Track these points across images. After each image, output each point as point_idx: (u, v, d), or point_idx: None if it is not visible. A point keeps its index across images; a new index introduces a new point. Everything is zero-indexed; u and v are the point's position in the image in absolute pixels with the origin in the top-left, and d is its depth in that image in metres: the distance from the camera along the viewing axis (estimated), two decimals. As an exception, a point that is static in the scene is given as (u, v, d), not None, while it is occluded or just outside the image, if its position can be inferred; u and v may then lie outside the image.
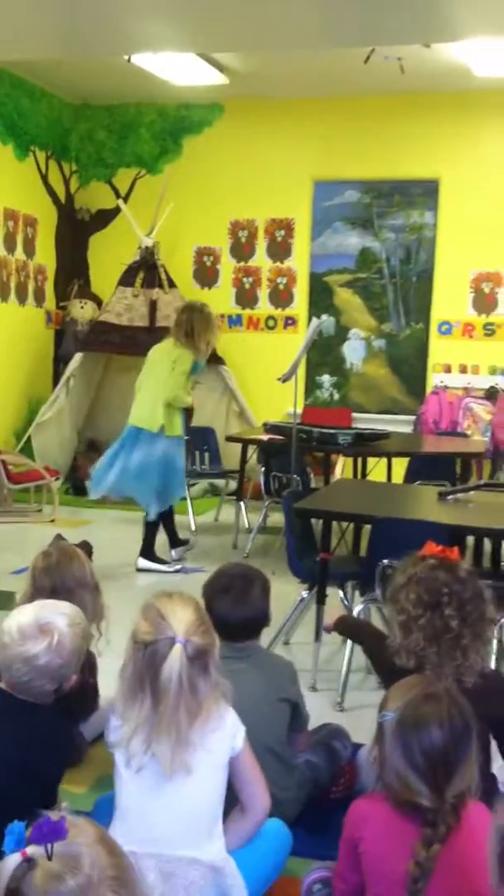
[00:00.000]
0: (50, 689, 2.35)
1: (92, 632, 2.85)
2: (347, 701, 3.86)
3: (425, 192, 8.55)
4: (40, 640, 2.30)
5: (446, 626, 2.44)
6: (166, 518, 6.12)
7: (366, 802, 2.11)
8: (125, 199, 9.11)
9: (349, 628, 3.28)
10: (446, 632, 2.44)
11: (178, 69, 7.73)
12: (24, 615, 2.37)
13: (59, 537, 3.48)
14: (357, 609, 4.00)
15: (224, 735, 2.23)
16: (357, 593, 4.21)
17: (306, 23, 5.76)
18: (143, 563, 6.02)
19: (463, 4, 5.23)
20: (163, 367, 5.84)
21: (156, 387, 5.81)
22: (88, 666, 2.99)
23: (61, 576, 2.99)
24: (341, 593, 4.22)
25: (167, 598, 2.25)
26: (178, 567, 6.04)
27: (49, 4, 5.60)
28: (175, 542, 6.24)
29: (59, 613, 2.39)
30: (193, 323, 5.81)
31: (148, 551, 6.06)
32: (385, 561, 3.75)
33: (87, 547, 5.68)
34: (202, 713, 2.17)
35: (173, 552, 6.21)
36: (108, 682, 2.52)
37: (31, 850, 1.38)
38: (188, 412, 6.16)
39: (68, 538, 6.78)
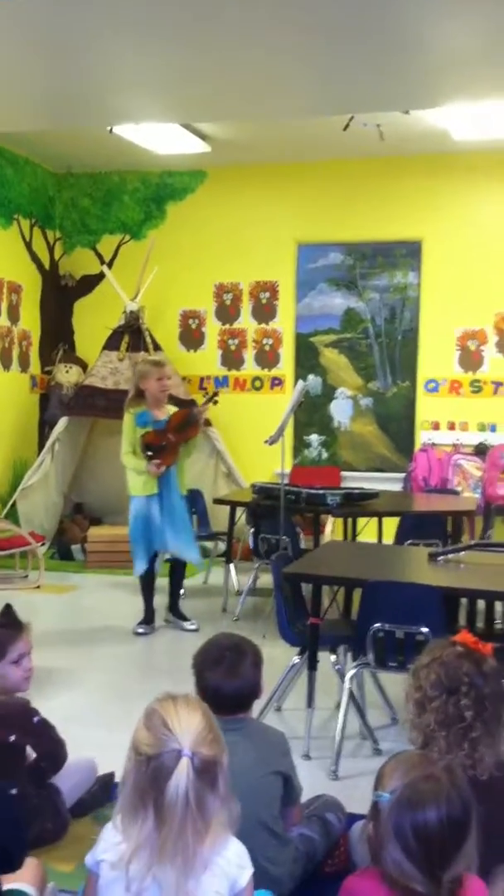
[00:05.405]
0: None
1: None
2: (342, 769, 3.76)
3: (408, 253, 8.63)
4: None
5: (459, 715, 2.38)
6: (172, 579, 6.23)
7: (359, 879, 2.04)
8: (109, 265, 9.18)
9: None
10: (458, 721, 2.38)
11: (161, 139, 7.82)
12: None
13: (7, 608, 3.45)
14: (349, 674, 3.92)
15: (227, 864, 2.02)
16: (349, 657, 4.14)
17: (287, 93, 5.86)
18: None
19: (440, 73, 5.32)
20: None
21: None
22: (39, 726, 3.10)
23: None
24: (333, 657, 4.15)
25: (171, 703, 2.00)
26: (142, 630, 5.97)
27: (32, 78, 5.68)
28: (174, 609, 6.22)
29: None
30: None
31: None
32: (377, 625, 3.71)
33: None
34: (210, 834, 1.96)
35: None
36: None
37: None
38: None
39: (55, 603, 6.71)
